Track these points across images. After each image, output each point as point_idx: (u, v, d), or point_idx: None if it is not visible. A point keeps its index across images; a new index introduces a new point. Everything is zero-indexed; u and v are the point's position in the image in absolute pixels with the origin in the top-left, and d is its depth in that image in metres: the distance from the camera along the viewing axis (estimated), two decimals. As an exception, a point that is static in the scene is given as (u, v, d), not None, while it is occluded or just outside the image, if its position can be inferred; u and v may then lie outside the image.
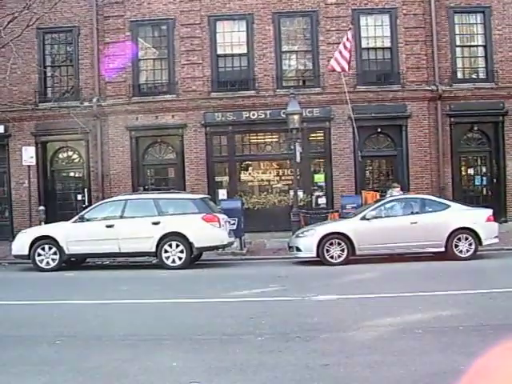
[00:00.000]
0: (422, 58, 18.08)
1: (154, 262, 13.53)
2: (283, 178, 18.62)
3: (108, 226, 13.05)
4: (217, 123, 18.22)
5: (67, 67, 19.01)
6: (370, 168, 18.96)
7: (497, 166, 18.38)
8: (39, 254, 13.16)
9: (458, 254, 12.74)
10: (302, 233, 13.56)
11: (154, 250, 12.94)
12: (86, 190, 18.65)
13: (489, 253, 13.48)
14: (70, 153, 19.26)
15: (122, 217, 13.20)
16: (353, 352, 5.71)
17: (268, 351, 5.85)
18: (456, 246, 12.79)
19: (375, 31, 18.24)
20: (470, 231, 12.87)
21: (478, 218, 13.21)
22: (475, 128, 18.53)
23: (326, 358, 5.54)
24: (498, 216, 15.81)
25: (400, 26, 18.09)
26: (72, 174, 19.58)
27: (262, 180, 18.73)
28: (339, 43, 16.76)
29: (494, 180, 18.48)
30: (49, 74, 18.81)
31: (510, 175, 18.22)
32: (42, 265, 13.12)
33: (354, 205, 15.36)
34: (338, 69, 16.51)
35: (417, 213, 13.28)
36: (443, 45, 18.17)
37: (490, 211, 13.56)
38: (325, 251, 12.74)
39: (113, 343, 6.41)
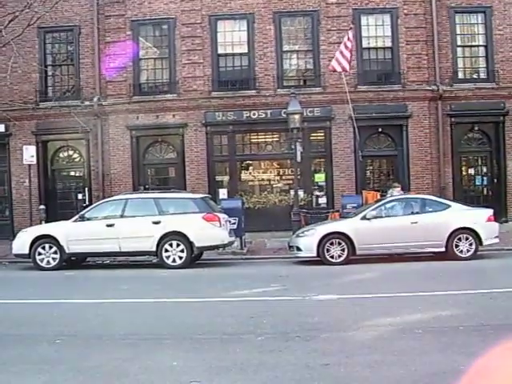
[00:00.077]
0: (422, 57, 18.07)
1: (154, 261, 13.54)
2: (284, 177, 18.61)
3: (108, 226, 13.04)
4: (217, 123, 18.21)
5: (68, 66, 19.02)
6: (371, 168, 18.95)
7: (497, 166, 18.38)
8: (40, 253, 13.17)
9: (459, 254, 12.74)
10: (303, 232, 13.55)
11: (154, 249, 12.94)
12: (86, 189, 18.65)
13: (489, 253, 13.48)
14: (71, 152, 19.26)
15: (122, 216, 13.21)
16: (353, 352, 5.71)
17: (268, 351, 5.85)
18: (456, 245, 12.79)
19: (376, 31, 18.22)
20: (471, 231, 12.87)
21: (479, 218, 13.21)
22: (476, 128, 18.53)
23: (326, 357, 5.55)
24: (499, 216, 15.79)
25: (401, 25, 18.07)
26: (72, 174, 19.59)
27: (263, 179, 18.72)
28: (340, 43, 16.76)
29: (495, 180, 18.47)
30: (49, 73, 18.85)
31: (511, 175, 18.22)
32: (43, 264, 13.13)
33: (355, 204, 15.35)
34: (339, 69, 16.50)
35: (417, 213, 13.28)
36: (444, 45, 18.15)
37: (490, 211, 13.55)
38: (325, 251, 12.75)
39: (113, 342, 6.41)
